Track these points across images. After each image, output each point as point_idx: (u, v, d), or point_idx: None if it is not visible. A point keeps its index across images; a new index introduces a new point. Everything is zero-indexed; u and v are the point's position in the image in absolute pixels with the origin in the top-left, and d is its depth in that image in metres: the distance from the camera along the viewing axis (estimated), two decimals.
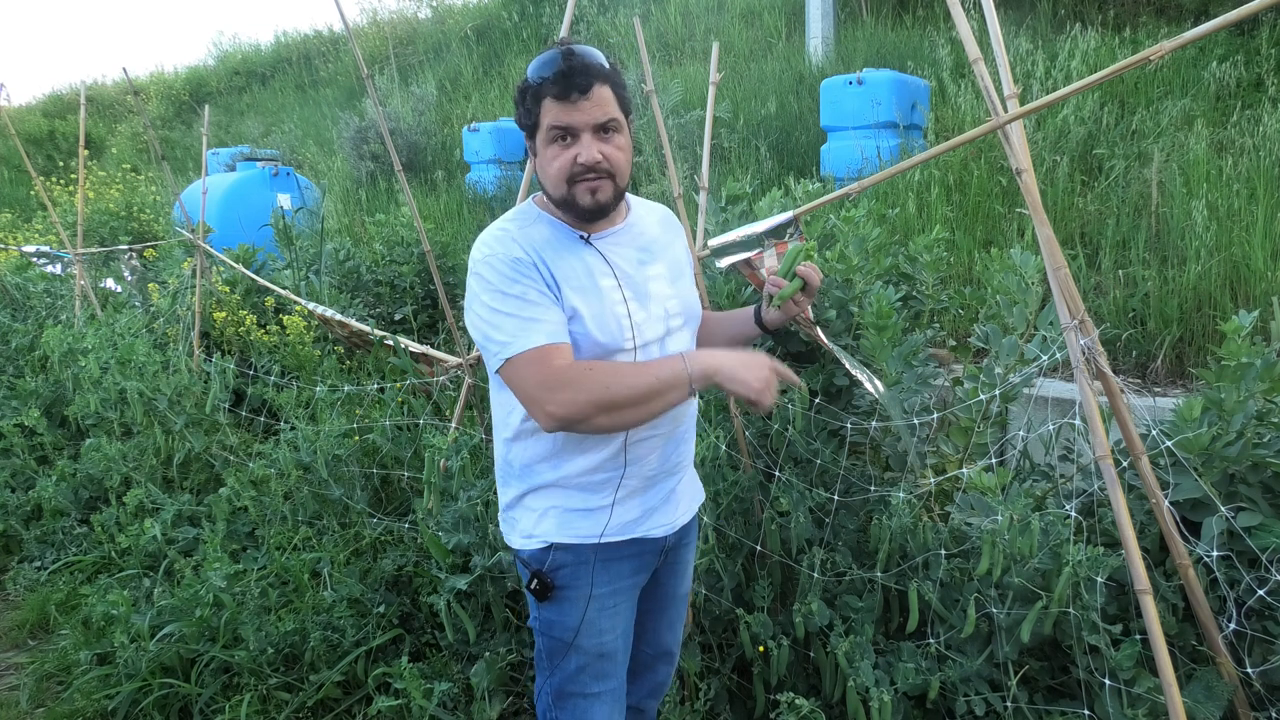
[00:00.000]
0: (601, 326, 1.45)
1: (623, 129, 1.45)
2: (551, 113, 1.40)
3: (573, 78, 1.37)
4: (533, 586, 1.57)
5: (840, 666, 2.03)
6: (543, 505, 1.57)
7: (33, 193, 11.44)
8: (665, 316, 1.55)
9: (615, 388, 1.35)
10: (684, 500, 1.69)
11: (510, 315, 1.40)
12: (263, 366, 4.13)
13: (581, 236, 1.51)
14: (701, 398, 2.02)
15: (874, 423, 2.33)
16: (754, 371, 1.37)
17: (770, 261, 2.28)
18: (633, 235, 1.58)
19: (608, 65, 1.43)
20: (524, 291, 1.41)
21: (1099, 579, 1.79)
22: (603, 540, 1.55)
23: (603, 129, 1.42)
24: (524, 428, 1.55)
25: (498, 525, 2.34)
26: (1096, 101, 5.85)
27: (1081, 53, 6.43)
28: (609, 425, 1.39)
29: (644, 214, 1.65)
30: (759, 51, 9.26)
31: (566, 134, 1.41)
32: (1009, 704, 1.92)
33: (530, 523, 1.58)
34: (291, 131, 12.63)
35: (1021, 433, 2.27)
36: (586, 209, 1.46)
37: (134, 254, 6.30)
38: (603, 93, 1.41)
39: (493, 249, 1.45)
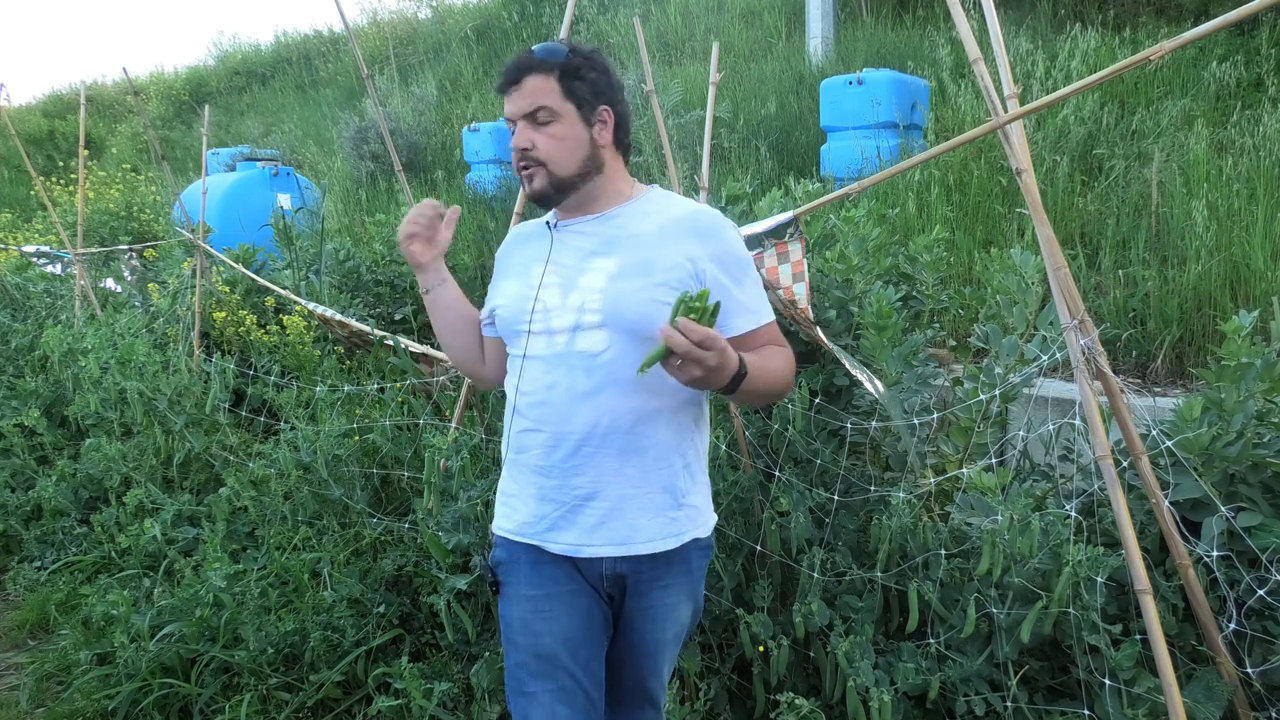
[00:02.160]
0: (508, 306, 1.56)
1: (559, 117, 1.48)
2: (504, 108, 1.52)
3: (506, 74, 1.49)
4: (488, 582, 1.62)
5: (840, 666, 2.03)
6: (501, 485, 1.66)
7: (33, 193, 11.44)
8: (579, 310, 1.46)
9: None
10: (604, 529, 1.49)
11: None
12: (263, 366, 4.13)
13: (548, 223, 1.61)
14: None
15: (874, 423, 2.33)
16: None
17: (770, 261, 2.28)
18: (607, 226, 1.52)
19: (554, 57, 1.48)
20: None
21: (1099, 579, 1.79)
22: (512, 537, 1.57)
23: (532, 117, 1.48)
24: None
25: None
26: (1096, 101, 5.85)
27: (1081, 53, 6.43)
28: (451, 354, 1.78)
29: (653, 209, 1.54)
30: (759, 51, 9.26)
31: (511, 124, 1.51)
32: (1009, 704, 1.92)
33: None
34: (291, 131, 12.63)
35: (1021, 433, 2.27)
36: (530, 198, 1.55)
37: (134, 254, 6.30)
38: (534, 82, 1.47)
39: None
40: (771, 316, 1.57)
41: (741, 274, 1.53)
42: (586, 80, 1.49)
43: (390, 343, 3.30)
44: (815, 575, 2.19)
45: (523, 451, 1.54)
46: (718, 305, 1.29)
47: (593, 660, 1.56)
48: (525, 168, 1.50)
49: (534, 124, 1.48)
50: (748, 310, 1.52)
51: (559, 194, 1.52)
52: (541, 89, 1.47)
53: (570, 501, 1.49)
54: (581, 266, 1.51)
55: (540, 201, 1.53)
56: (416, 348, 3.26)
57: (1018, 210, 4.96)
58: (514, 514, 1.57)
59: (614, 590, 1.57)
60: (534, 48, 1.50)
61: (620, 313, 1.45)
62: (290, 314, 4.23)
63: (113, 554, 3.30)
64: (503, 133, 8.57)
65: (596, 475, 1.47)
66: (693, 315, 1.27)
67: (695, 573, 1.61)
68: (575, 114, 1.49)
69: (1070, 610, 1.83)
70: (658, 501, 1.51)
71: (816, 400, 2.46)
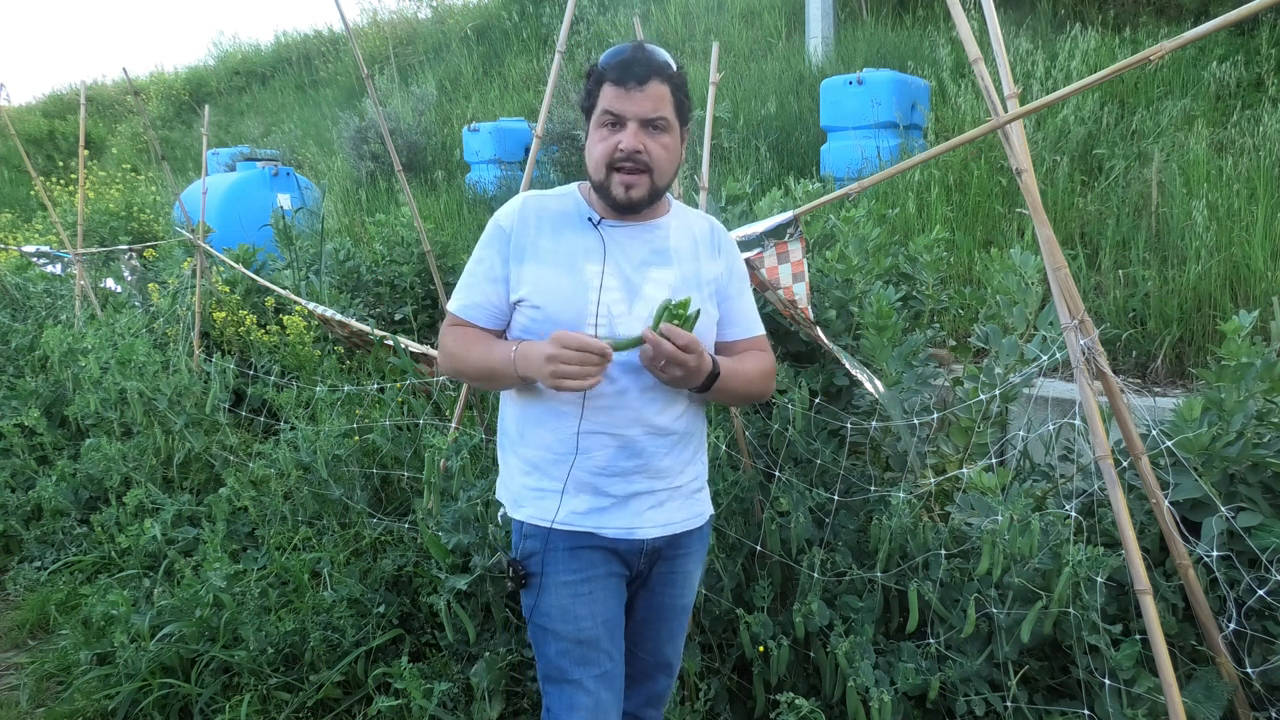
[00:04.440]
0: (563, 306, 1.51)
1: (671, 130, 1.51)
2: (607, 98, 1.48)
3: (632, 67, 1.46)
4: (510, 576, 1.62)
5: (840, 666, 2.03)
6: (510, 473, 1.66)
7: (33, 193, 11.44)
8: (649, 320, 1.51)
9: (462, 361, 1.57)
10: (653, 513, 1.61)
11: (465, 274, 1.62)
12: (263, 366, 4.13)
13: (590, 219, 1.56)
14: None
15: (874, 423, 2.33)
16: (533, 361, 1.42)
17: (770, 261, 2.28)
18: (653, 236, 1.59)
19: (673, 68, 1.49)
20: (481, 258, 1.60)
21: (1099, 579, 1.79)
22: (557, 526, 1.56)
23: (650, 124, 1.48)
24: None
25: (498, 525, 2.35)
26: (1096, 101, 5.85)
27: (1081, 53, 6.43)
28: (473, 386, 1.63)
29: (684, 223, 1.64)
30: (759, 51, 9.26)
31: (616, 121, 1.48)
32: (1009, 704, 1.92)
33: (502, 488, 1.68)
34: (291, 131, 12.63)
35: (1021, 433, 2.27)
36: (618, 202, 1.51)
37: (134, 254, 6.30)
38: (659, 89, 1.47)
39: (501, 209, 1.61)
40: (762, 330, 1.72)
41: (743, 287, 1.70)
42: (686, 98, 1.54)
43: (390, 343, 3.30)
44: (815, 575, 2.20)
45: (585, 453, 1.55)
46: (698, 313, 1.45)
47: (622, 640, 1.66)
48: (630, 170, 1.48)
49: (649, 130, 1.48)
50: (744, 321, 1.69)
51: (648, 203, 1.54)
52: (663, 97, 1.48)
53: (630, 492, 1.58)
54: (641, 275, 1.55)
55: (627, 210, 1.53)
56: (416, 348, 3.26)
57: (1018, 210, 4.96)
58: (563, 505, 1.57)
59: (646, 564, 1.65)
60: (650, 48, 1.49)
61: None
62: (290, 314, 4.23)
63: (113, 554, 3.30)
64: (503, 133, 8.56)
65: (655, 468, 1.59)
66: (676, 321, 1.42)
67: (706, 540, 1.78)
68: (678, 129, 1.53)
69: (1070, 610, 1.83)
70: (691, 485, 1.67)
71: (816, 400, 2.46)
